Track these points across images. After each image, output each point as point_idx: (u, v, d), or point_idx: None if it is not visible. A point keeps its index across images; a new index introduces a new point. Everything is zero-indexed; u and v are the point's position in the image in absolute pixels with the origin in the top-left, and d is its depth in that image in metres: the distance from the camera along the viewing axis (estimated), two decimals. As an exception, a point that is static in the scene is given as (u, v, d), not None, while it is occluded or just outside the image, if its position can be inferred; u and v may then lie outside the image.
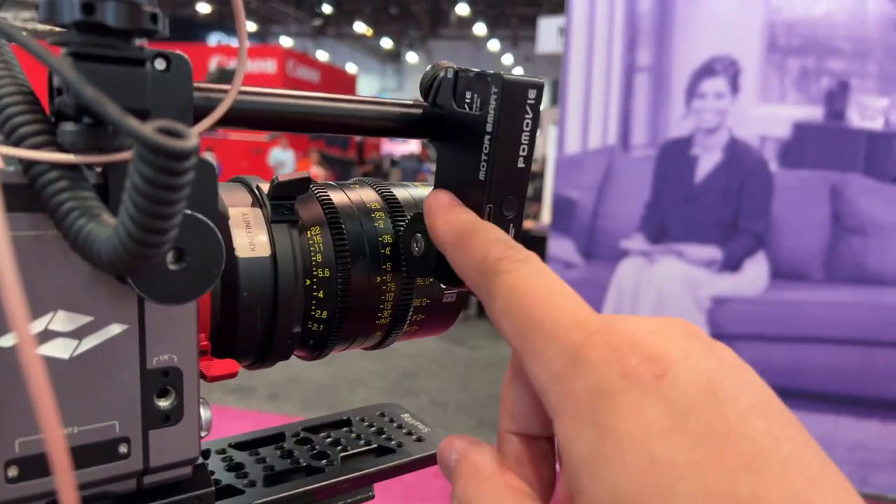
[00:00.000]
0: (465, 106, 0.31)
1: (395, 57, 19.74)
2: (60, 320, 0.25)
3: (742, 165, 2.11)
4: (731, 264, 2.14)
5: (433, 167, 0.34)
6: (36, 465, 0.25)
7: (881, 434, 2.08)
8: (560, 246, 2.31)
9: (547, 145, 5.56)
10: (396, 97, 0.35)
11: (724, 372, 0.21)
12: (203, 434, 0.30)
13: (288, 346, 0.35)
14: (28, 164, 0.23)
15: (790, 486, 0.18)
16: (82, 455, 0.26)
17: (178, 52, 0.25)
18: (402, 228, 0.37)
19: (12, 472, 0.25)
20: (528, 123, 0.31)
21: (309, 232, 0.35)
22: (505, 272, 0.25)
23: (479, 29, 16.10)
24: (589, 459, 0.20)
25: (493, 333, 3.93)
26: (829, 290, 2.08)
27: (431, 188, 0.34)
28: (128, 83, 0.24)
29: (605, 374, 0.21)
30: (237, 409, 2.98)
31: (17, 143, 0.23)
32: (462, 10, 14.52)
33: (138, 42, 0.25)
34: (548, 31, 4.96)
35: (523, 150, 0.31)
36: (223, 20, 15.42)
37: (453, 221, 0.30)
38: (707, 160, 2.14)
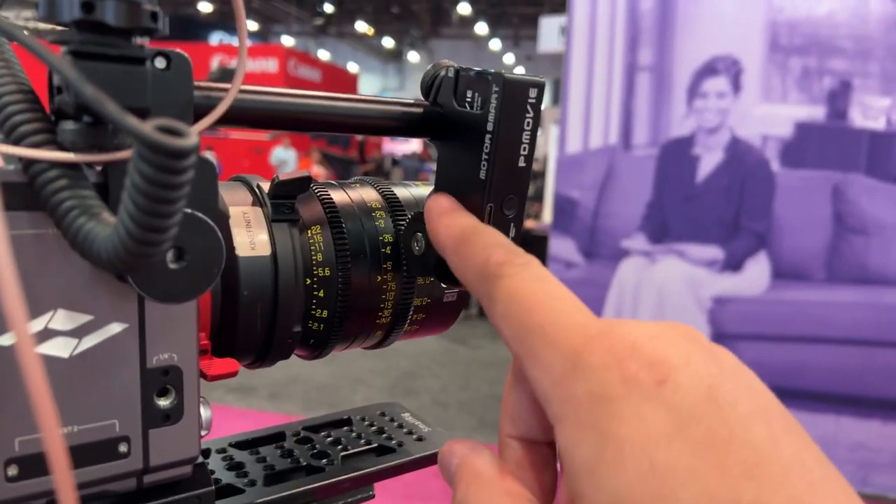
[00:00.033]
0: (466, 105, 0.31)
1: (396, 56, 19.73)
2: (60, 319, 0.25)
3: (744, 165, 2.11)
4: (733, 264, 2.14)
5: (435, 167, 0.34)
6: (36, 463, 0.25)
7: (882, 434, 2.08)
8: (561, 245, 2.31)
9: (548, 144, 5.55)
10: (398, 96, 0.35)
11: (724, 377, 0.21)
12: (203, 433, 0.30)
13: (288, 345, 0.35)
14: (28, 163, 0.23)
15: (792, 491, 0.18)
16: (82, 454, 0.26)
17: (178, 50, 0.25)
18: (402, 228, 0.37)
19: (12, 470, 0.25)
20: (529, 122, 0.31)
21: (309, 231, 0.35)
22: (505, 276, 0.25)
23: (481, 28, 16.10)
24: (589, 465, 0.20)
25: (494, 333, 3.92)
26: (831, 290, 2.08)
27: (432, 187, 0.34)
28: (127, 82, 0.24)
29: (606, 380, 0.21)
30: (238, 408, 2.98)
31: (16, 142, 0.23)
32: (463, 9, 14.51)
33: (139, 41, 0.25)
34: (549, 30, 4.96)
35: (524, 150, 0.31)
36: (225, 19, 15.42)
37: (454, 225, 0.29)
38: (709, 160, 2.14)
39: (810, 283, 2.09)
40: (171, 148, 0.18)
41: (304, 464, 0.39)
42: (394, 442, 0.41)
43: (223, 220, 0.32)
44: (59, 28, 0.24)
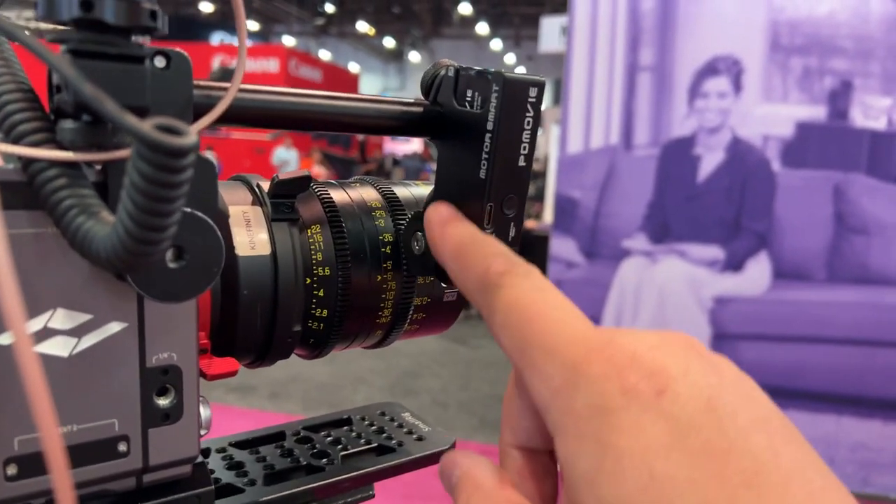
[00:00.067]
0: (466, 104, 0.31)
1: (397, 56, 19.73)
2: (60, 318, 0.25)
3: (745, 165, 2.11)
4: (734, 264, 2.14)
5: (435, 166, 0.34)
6: (35, 463, 0.25)
7: (883, 434, 2.08)
8: (562, 245, 2.30)
9: (549, 144, 5.55)
10: (399, 96, 0.35)
11: (724, 387, 0.21)
12: (203, 432, 0.30)
13: (288, 344, 0.35)
14: (27, 162, 0.23)
15: (791, 501, 0.18)
16: (81, 453, 0.26)
17: (178, 49, 0.25)
18: (402, 227, 0.37)
19: (11, 470, 0.25)
20: (529, 122, 0.31)
21: (309, 230, 0.35)
22: (505, 287, 0.25)
23: (482, 28, 16.10)
24: (589, 476, 0.20)
25: (495, 333, 3.92)
26: (832, 290, 2.07)
27: (432, 186, 0.34)
28: (127, 80, 0.24)
29: (606, 391, 0.21)
30: (238, 408, 2.99)
31: (16, 141, 0.23)
32: (464, 9, 14.51)
33: (140, 39, 0.25)
34: (550, 30, 4.96)
35: (524, 149, 0.31)
36: (226, 20, 15.42)
37: (453, 234, 0.29)
38: (709, 160, 2.14)
39: (811, 283, 2.09)
40: (169, 146, 0.18)
41: (304, 463, 0.39)
42: (394, 442, 0.41)
43: (223, 219, 0.32)
44: (62, 28, 0.24)
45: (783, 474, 0.19)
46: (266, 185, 0.35)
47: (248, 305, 0.33)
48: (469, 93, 0.31)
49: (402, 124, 0.34)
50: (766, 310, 2.12)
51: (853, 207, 2.04)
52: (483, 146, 0.30)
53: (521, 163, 0.31)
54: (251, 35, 16.71)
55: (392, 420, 0.44)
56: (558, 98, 2.87)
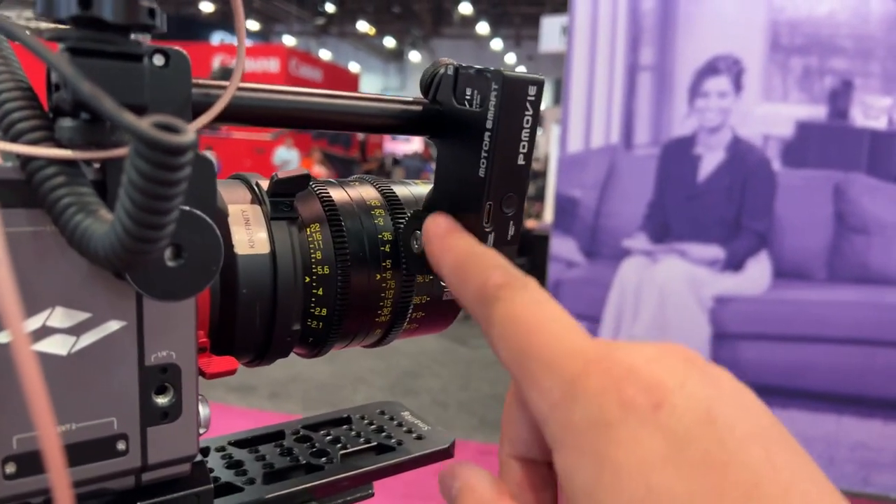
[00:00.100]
0: (466, 103, 0.31)
1: (397, 56, 19.73)
2: (58, 317, 0.25)
3: (745, 164, 2.11)
4: (734, 263, 2.14)
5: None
6: (34, 461, 0.25)
7: (883, 434, 2.08)
8: (562, 245, 2.30)
9: (549, 144, 5.55)
10: (399, 96, 0.34)
11: (722, 399, 0.21)
12: (202, 431, 0.30)
13: (287, 343, 0.35)
14: (26, 160, 0.23)
15: None
16: (80, 452, 0.26)
17: (176, 48, 0.25)
18: (401, 226, 0.37)
19: (10, 468, 0.25)
20: (528, 120, 0.31)
21: (308, 229, 0.35)
22: (503, 300, 0.25)
23: (482, 28, 16.09)
24: (587, 489, 0.20)
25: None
26: (832, 290, 2.07)
27: (432, 185, 0.34)
28: (125, 78, 0.24)
29: (603, 405, 0.21)
30: (238, 407, 2.99)
31: (14, 139, 0.23)
32: (465, 8, 14.51)
33: (140, 38, 0.25)
34: (551, 30, 4.95)
35: (523, 147, 0.31)
36: (226, 19, 15.41)
37: (451, 247, 0.29)
38: (710, 159, 2.14)
39: (811, 283, 2.09)
40: (167, 144, 0.18)
41: (304, 462, 0.39)
42: (393, 440, 0.41)
43: (221, 217, 0.32)
44: (62, 27, 0.24)
45: (781, 487, 0.19)
46: (265, 184, 0.35)
47: (247, 304, 0.33)
48: (468, 91, 0.31)
49: (402, 123, 0.33)
50: (766, 309, 2.12)
51: (853, 207, 2.04)
52: (482, 145, 0.30)
53: (521, 161, 0.31)
54: (251, 35, 16.72)
55: (391, 419, 0.44)
56: (559, 98, 2.87)
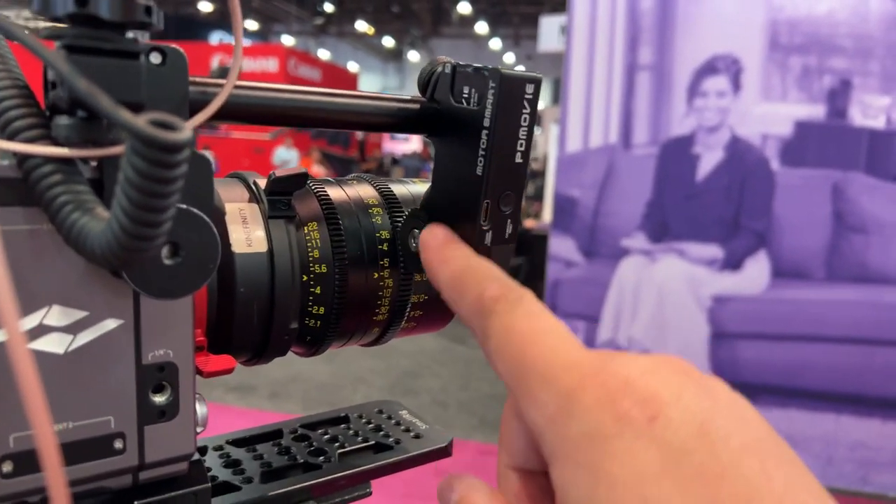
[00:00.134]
0: (463, 101, 0.31)
1: (396, 56, 19.73)
2: (55, 315, 0.25)
3: (744, 164, 2.11)
4: (733, 263, 2.14)
5: None
6: (31, 460, 0.25)
7: (882, 433, 2.08)
8: (561, 244, 2.30)
9: (548, 144, 5.55)
10: (397, 95, 0.34)
11: (717, 411, 0.21)
12: (199, 430, 0.30)
13: (285, 342, 0.35)
14: (22, 158, 0.23)
15: None
16: (77, 450, 0.26)
17: (174, 46, 0.25)
18: (399, 224, 0.37)
19: (7, 467, 0.25)
20: (525, 118, 0.31)
21: (306, 228, 0.35)
22: (499, 313, 0.25)
23: (481, 27, 16.09)
24: (584, 503, 0.20)
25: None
26: (831, 289, 2.07)
27: (430, 184, 0.34)
28: (122, 76, 0.24)
29: (599, 418, 0.21)
30: (238, 407, 2.98)
31: (11, 137, 0.23)
32: (464, 8, 14.50)
33: (133, 35, 0.25)
34: (549, 29, 4.95)
35: (521, 146, 0.31)
36: (225, 19, 15.40)
37: (448, 259, 0.29)
38: (708, 159, 2.14)
39: (810, 282, 2.09)
40: (164, 142, 0.18)
41: (302, 461, 0.38)
42: (391, 439, 0.41)
43: (219, 216, 0.32)
44: (60, 26, 0.24)
45: (776, 498, 0.19)
46: (263, 183, 0.35)
47: (245, 303, 0.32)
48: (466, 89, 0.31)
49: (399, 121, 0.33)
50: (764, 309, 2.12)
51: (852, 206, 2.04)
52: (480, 143, 0.30)
53: (518, 159, 0.31)
54: (250, 34, 16.71)
55: (389, 418, 0.44)
56: (557, 97, 2.87)
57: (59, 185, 0.23)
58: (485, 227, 0.31)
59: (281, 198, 0.34)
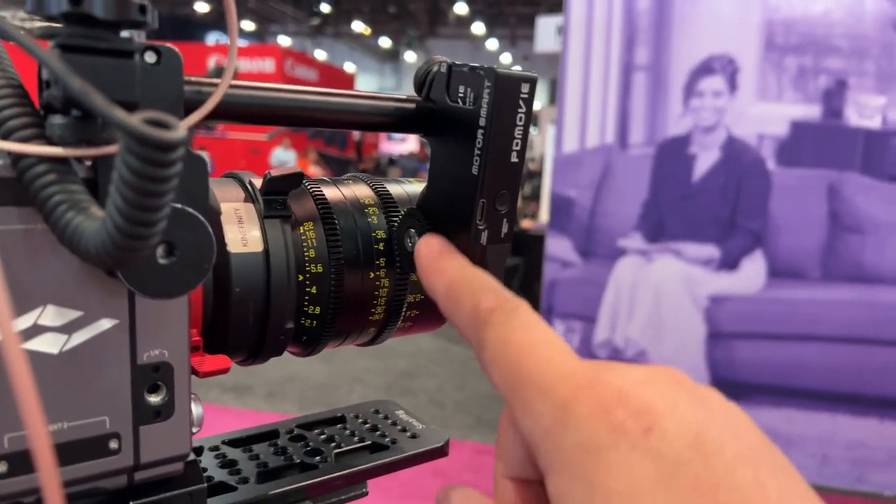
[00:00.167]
0: (459, 100, 0.31)
1: (393, 56, 19.72)
2: (50, 315, 0.25)
3: (740, 164, 2.11)
4: (729, 263, 2.14)
5: None
6: (26, 460, 0.25)
7: (878, 432, 2.08)
8: (558, 245, 2.31)
9: (545, 144, 5.56)
10: (394, 95, 0.34)
11: (712, 421, 0.21)
12: (195, 430, 0.30)
13: (281, 341, 0.35)
14: (16, 158, 0.23)
15: None
16: (72, 451, 0.26)
17: (168, 45, 0.25)
18: (395, 224, 0.37)
19: (1, 467, 0.25)
20: (521, 118, 0.31)
21: (302, 227, 0.35)
22: (494, 324, 0.25)
23: (478, 28, 16.09)
24: None
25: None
26: (827, 289, 2.08)
27: (425, 183, 0.34)
28: (116, 75, 0.24)
29: (594, 430, 0.21)
30: (234, 408, 2.98)
31: (5, 137, 0.23)
32: (460, 9, 14.51)
33: (133, 35, 0.25)
34: (546, 30, 4.96)
35: (516, 145, 0.31)
36: (221, 20, 15.37)
37: (443, 269, 0.30)
38: (705, 159, 2.14)
39: (806, 282, 2.09)
40: (158, 140, 0.18)
41: (298, 461, 0.38)
42: (387, 439, 0.41)
43: (214, 215, 0.32)
44: (57, 26, 0.24)
45: None
46: (258, 183, 0.35)
47: (241, 302, 0.32)
48: (461, 89, 0.31)
49: (395, 121, 0.33)
50: (760, 308, 2.12)
51: (847, 206, 2.05)
52: (475, 142, 0.30)
53: (514, 159, 0.31)
54: (247, 35, 16.69)
55: (386, 418, 0.44)
56: (554, 98, 2.87)
57: (53, 184, 0.23)
58: (480, 227, 0.31)
59: (276, 197, 0.34)
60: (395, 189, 0.39)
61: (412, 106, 0.33)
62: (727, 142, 2.12)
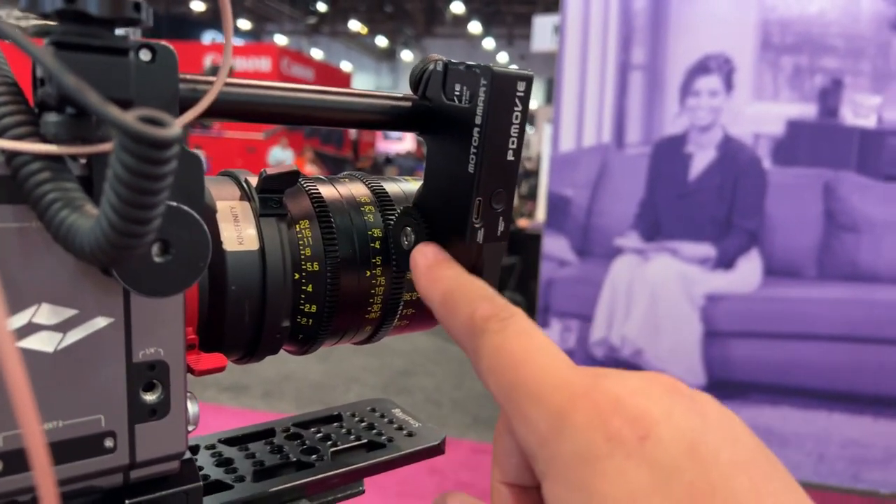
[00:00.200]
0: (455, 99, 0.31)
1: (390, 55, 19.70)
2: (45, 313, 0.25)
3: (736, 163, 2.12)
4: (725, 262, 2.15)
5: None
6: (21, 459, 0.25)
7: (874, 430, 2.09)
8: (554, 244, 2.31)
9: (542, 143, 5.56)
10: (389, 95, 0.34)
11: (707, 428, 0.21)
12: (190, 428, 0.30)
13: (277, 340, 0.35)
14: (11, 155, 0.23)
15: None
16: (67, 449, 0.26)
17: (163, 43, 0.25)
18: (391, 222, 0.37)
19: (-4, 466, 0.25)
20: (517, 116, 0.31)
21: (298, 226, 0.35)
22: (490, 332, 0.26)
23: (474, 27, 16.09)
24: None
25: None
26: (823, 288, 2.08)
27: (421, 182, 0.34)
28: (110, 73, 0.24)
29: (590, 438, 0.21)
30: (231, 407, 2.98)
31: (-1, 134, 0.23)
32: (457, 8, 14.51)
33: (128, 33, 0.25)
34: (542, 29, 4.96)
35: (512, 143, 0.31)
36: (217, 19, 15.32)
37: (439, 278, 0.30)
38: (701, 158, 2.14)
39: (802, 281, 2.10)
40: (153, 138, 0.18)
41: (294, 459, 0.38)
42: (384, 438, 0.41)
43: (209, 213, 0.32)
44: (52, 24, 0.24)
45: None
46: (254, 181, 0.35)
47: (236, 301, 0.32)
48: (457, 87, 0.31)
49: (391, 119, 0.33)
50: (757, 307, 2.12)
51: (843, 205, 2.05)
52: (471, 140, 0.30)
53: (510, 157, 0.31)
54: (243, 34, 16.65)
55: (382, 416, 0.44)
56: (551, 97, 2.87)
57: (47, 182, 0.22)
58: (477, 225, 0.31)
59: (272, 196, 0.34)
60: (392, 187, 0.39)
61: (408, 104, 0.33)
62: (723, 141, 2.12)
